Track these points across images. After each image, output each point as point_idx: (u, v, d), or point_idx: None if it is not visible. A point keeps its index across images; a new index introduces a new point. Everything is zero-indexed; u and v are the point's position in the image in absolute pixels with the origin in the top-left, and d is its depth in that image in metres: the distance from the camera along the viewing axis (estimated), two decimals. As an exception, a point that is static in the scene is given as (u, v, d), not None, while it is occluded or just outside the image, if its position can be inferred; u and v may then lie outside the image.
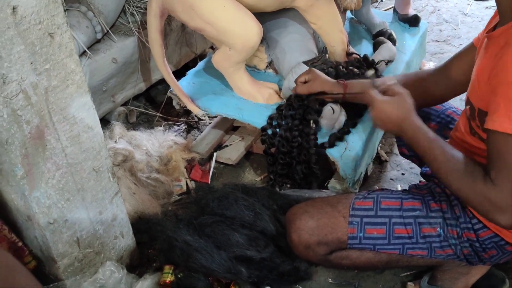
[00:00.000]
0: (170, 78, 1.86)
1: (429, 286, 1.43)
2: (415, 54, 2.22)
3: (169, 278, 1.42)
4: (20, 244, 1.28)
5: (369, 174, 1.91)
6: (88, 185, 1.32)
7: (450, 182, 1.12)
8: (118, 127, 1.88)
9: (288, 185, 1.86)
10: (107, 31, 1.96)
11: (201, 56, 2.52)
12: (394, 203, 1.30)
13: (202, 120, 1.91)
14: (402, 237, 1.28)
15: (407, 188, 1.79)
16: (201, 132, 2.18)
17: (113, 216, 1.44)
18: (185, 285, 1.32)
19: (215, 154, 2.02)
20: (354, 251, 1.33)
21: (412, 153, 1.63)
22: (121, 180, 1.66)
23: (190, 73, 2.04)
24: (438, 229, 1.27)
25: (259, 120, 1.78)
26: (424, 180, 1.56)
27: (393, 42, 2.11)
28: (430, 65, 2.53)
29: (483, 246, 1.24)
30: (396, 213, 1.29)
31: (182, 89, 1.88)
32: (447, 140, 1.37)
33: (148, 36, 1.80)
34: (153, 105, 2.43)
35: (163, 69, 1.84)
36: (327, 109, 1.69)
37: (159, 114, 2.32)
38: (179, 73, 2.34)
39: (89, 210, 1.35)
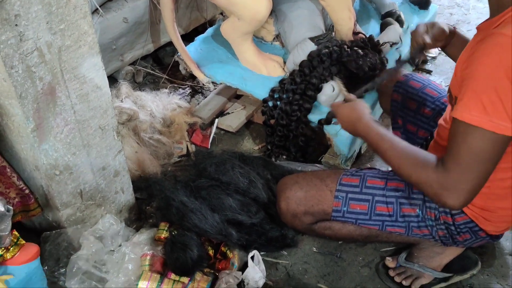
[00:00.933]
0: (178, 43, 1.90)
1: (406, 262, 1.52)
2: (421, 37, 2.23)
3: (164, 234, 1.52)
4: (27, 191, 1.36)
5: (362, 152, 1.97)
6: (94, 142, 1.39)
7: (401, 171, 1.17)
8: (125, 87, 1.94)
9: (284, 157, 1.93)
10: (120, -10, 1.99)
11: (211, 22, 2.55)
12: (379, 183, 1.38)
13: (206, 86, 1.96)
14: (383, 214, 1.36)
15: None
16: (205, 97, 2.24)
17: (115, 172, 1.52)
18: (178, 242, 1.41)
19: (216, 120, 2.09)
20: (337, 223, 1.41)
21: (406, 136, 1.69)
22: (124, 138, 1.74)
23: (199, 39, 2.08)
24: (418, 210, 1.34)
25: (261, 91, 1.84)
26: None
27: (401, 24, 2.13)
28: (436, 49, 2.55)
29: (458, 230, 1.32)
30: (380, 191, 1.36)
31: (189, 55, 1.92)
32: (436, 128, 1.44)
33: (160, 0, 1.83)
34: (160, 67, 2.48)
35: (172, 33, 1.89)
36: (328, 86, 1.74)
37: (165, 76, 2.37)
38: (188, 37, 2.39)
39: (93, 165, 1.43)
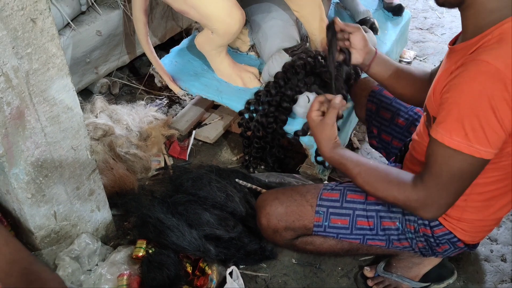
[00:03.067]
0: (152, 57, 1.89)
1: (384, 272, 1.53)
2: (396, 44, 2.26)
3: (141, 252, 1.51)
4: (-1, 215, 1.34)
5: (340, 161, 1.98)
6: (67, 163, 1.37)
7: (377, 194, 1.20)
8: (99, 101, 1.92)
9: (262, 167, 1.94)
10: (92, 3, 1.97)
11: (187, 30, 2.54)
12: (359, 197, 1.38)
13: (183, 99, 1.95)
14: (364, 228, 1.37)
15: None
16: (183, 107, 2.23)
17: (90, 191, 1.51)
18: (154, 261, 1.41)
19: (194, 132, 2.08)
20: (318, 237, 1.42)
21: (381, 146, 1.71)
22: (99, 154, 1.72)
23: (173, 51, 2.07)
24: (397, 223, 1.36)
25: (237, 104, 1.83)
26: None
27: (375, 31, 2.14)
28: (410, 54, 2.58)
29: (437, 241, 1.34)
30: (360, 206, 1.37)
31: (164, 68, 1.91)
32: (409, 140, 1.45)
33: (132, 15, 1.82)
34: (137, 77, 2.46)
35: (146, 47, 1.87)
36: (303, 97, 1.75)
37: (141, 87, 2.36)
38: (164, 46, 2.37)
39: (66, 186, 1.41)
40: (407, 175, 1.18)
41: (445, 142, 1.07)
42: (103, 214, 1.60)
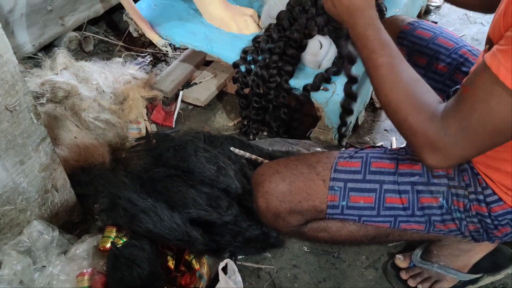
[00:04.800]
0: (123, -3, 1.52)
1: (423, 261, 1.20)
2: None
3: (109, 243, 1.17)
4: None
5: (360, 123, 1.63)
6: (0, 128, 1.03)
7: (388, 101, 0.88)
8: (62, 56, 1.57)
9: (265, 133, 1.59)
10: None
11: (174, -24, 2.16)
12: (387, 165, 1.03)
13: (164, 51, 1.59)
14: (395, 207, 1.02)
15: (403, 142, 1.53)
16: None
17: (40, 166, 1.17)
18: (122, 256, 1.07)
19: (181, 93, 1.72)
20: (334, 222, 1.07)
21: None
22: (59, 121, 1.38)
23: (152, -8, 1.70)
24: (441, 199, 1.01)
25: (231, 53, 1.48)
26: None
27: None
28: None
29: (495, 222, 1.00)
30: (390, 177, 1.02)
31: (139, 12, 1.55)
32: (458, 87, 1.09)
33: None
34: (116, 32, 2.10)
35: (115, -15, 1.50)
36: (314, 42, 1.38)
37: (121, 43, 2.00)
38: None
39: (4, 160, 1.07)
40: (436, 99, 0.85)
41: (498, 74, 0.73)
42: (63, 195, 1.28)
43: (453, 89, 1.17)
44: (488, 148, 0.82)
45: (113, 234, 1.20)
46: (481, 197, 0.98)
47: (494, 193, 0.97)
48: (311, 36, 1.39)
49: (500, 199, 0.97)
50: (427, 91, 0.87)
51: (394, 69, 0.88)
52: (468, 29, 2.04)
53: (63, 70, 1.52)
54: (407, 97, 0.85)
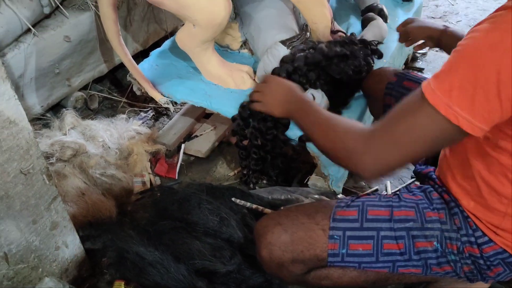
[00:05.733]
0: (127, 59, 1.62)
1: (422, 302, 1.24)
2: (409, 32, 1.98)
3: (118, 297, 1.22)
4: None
5: (355, 168, 1.69)
6: (15, 191, 1.09)
7: (320, 139, 1.03)
8: (70, 116, 1.65)
9: (264, 181, 1.65)
10: (57, 5, 1.71)
11: (173, 34, 2.27)
12: (383, 213, 1.09)
13: (166, 107, 1.68)
14: (393, 253, 1.07)
15: (397, 186, 1.60)
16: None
17: (52, 225, 1.22)
18: (132, 309, 1.12)
19: (183, 145, 1.80)
20: (335, 269, 1.11)
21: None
22: (68, 179, 1.44)
23: (154, 53, 1.81)
24: (435, 243, 1.06)
25: (230, 108, 1.56)
26: (417, 183, 1.34)
27: (384, 18, 1.87)
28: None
29: (487, 263, 1.04)
30: (386, 224, 1.08)
31: (141, 72, 1.64)
32: None
33: (100, 11, 1.55)
34: (119, 89, 2.19)
35: (119, 49, 1.61)
36: (307, 95, 1.46)
37: (124, 100, 2.09)
38: (147, 54, 2.10)
39: (18, 220, 1.13)
40: (362, 124, 0.99)
41: (424, 91, 0.85)
42: (72, 251, 1.32)
43: None
44: (413, 156, 0.89)
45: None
46: (472, 239, 1.03)
47: (485, 235, 1.02)
48: (304, 89, 1.48)
49: (491, 240, 1.02)
50: (354, 122, 0.99)
51: (317, 121, 1.04)
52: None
53: (71, 130, 1.60)
54: (334, 128, 0.99)
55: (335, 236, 1.08)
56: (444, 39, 1.38)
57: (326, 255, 1.08)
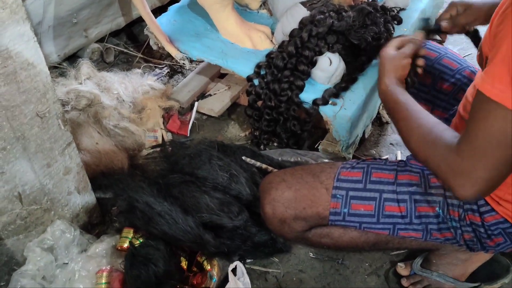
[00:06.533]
0: (145, 12, 1.61)
1: (422, 270, 1.26)
2: (432, 2, 1.94)
3: (126, 243, 1.25)
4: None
5: (366, 137, 1.70)
6: (31, 133, 1.12)
7: (410, 145, 0.96)
8: (86, 66, 1.66)
9: (275, 144, 1.66)
10: (78, -47, 1.70)
11: (192, -9, 2.25)
12: (387, 176, 1.10)
13: (182, 64, 1.68)
14: (394, 215, 1.09)
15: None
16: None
17: (65, 170, 1.25)
18: (139, 255, 1.15)
19: (196, 103, 1.80)
20: (336, 228, 1.14)
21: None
22: (82, 127, 1.47)
23: (172, 8, 1.79)
24: (437, 208, 1.07)
25: (245, 68, 1.55)
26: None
27: (409, -14, 1.83)
28: (447, 17, 2.25)
29: (488, 232, 1.05)
30: (389, 187, 1.09)
31: (159, 27, 1.63)
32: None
33: (120, -39, 1.54)
34: (135, 44, 2.19)
35: (137, 0, 1.59)
36: (324, 59, 1.46)
37: (140, 55, 2.09)
38: (166, 9, 2.09)
39: (33, 162, 1.16)
40: (450, 134, 0.90)
41: (484, 91, 0.80)
42: (84, 197, 1.35)
43: (455, 108, 1.24)
44: (504, 163, 0.83)
45: (131, 235, 1.28)
46: (475, 207, 1.04)
47: (487, 204, 1.03)
48: (321, 53, 1.46)
49: (493, 209, 1.03)
50: (443, 130, 0.92)
51: (410, 119, 0.96)
52: (474, 49, 2.10)
53: (87, 80, 1.61)
54: (424, 137, 0.92)
55: (338, 196, 1.09)
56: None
57: (328, 214, 1.10)
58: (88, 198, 1.37)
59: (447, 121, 1.23)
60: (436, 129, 0.91)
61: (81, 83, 1.58)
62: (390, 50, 1.13)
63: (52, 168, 1.21)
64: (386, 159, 1.18)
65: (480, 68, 1.07)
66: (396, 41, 1.15)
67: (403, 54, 1.11)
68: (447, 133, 0.90)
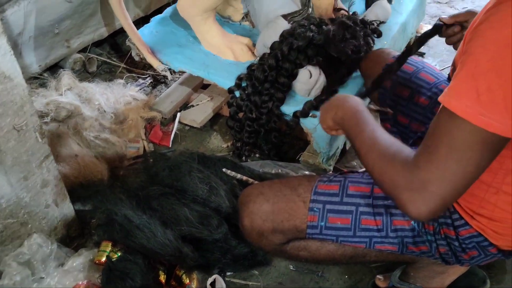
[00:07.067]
0: (127, 24, 1.61)
1: (400, 282, 1.26)
2: (413, 15, 1.97)
3: (104, 257, 1.24)
4: None
5: (347, 148, 1.71)
6: (7, 146, 1.11)
7: (366, 162, 0.92)
8: (67, 77, 1.65)
9: (257, 155, 1.66)
10: (60, -36, 1.69)
11: (175, 1, 2.24)
12: (363, 189, 1.11)
13: (163, 75, 1.68)
14: (370, 229, 1.09)
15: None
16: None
17: (43, 182, 1.24)
18: (116, 269, 1.14)
19: (178, 114, 1.80)
20: (314, 241, 1.14)
21: (396, 130, 1.42)
22: (61, 139, 1.46)
23: (154, 20, 1.79)
24: (412, 222, 1.08)
25: (227, 80, 1.56)
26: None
27: (389, 0, 1.86)
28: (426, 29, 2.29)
29: (462, 245, 1.06)
30: (365, 200, 1.09)
31: (141, 38, 1.64)
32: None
33: (101, -28, 1.54)
34: (118, 54, 2.19)
35: (119, 12, 1.60)
36: (304, 72, 1.47)
37: (123, 65, 2.08)
38: (149, 20, 2.09)
39: (9, 175, 1.15)
40: (407, 150, 0.87)
41: (449, 106, 0.79)
42: (62, 210, 1.34)
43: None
44: (462, 182, 0.81)
45: (109, 249, 1.27)
46: (449, 221, 1.05)
47: (462, 218, 1.04)
48: (301, 65, 1.48)
49: (467, 223, 1.04)
50: (403, 146, 0.89)
51: (367, 137, 0.93)
52: (455, 61, 2.14)
53: (67, 91, 1.60)
54: (380, 154, 0.89)
55: (315, 209, 1.10)
56: None
57: (305, 227, 1.10)
58: (67, 211, 1.36)
59: (421, 138, 1.25)
60: (396, 146, 0.89)
61: (61, 94, 1.57)
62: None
63: (29, 181, 1.20)
64: (363, 172, 1.19)
65: None
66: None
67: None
68: (406, 149, 0.88)
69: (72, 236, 1.41)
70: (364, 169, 1.67)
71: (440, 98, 0.82)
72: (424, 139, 0.84)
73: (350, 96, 1.07)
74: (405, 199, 0.82)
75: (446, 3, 2.57)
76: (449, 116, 0.79)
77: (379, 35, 1.62)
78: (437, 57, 2.17)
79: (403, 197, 0.82)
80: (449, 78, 1.00)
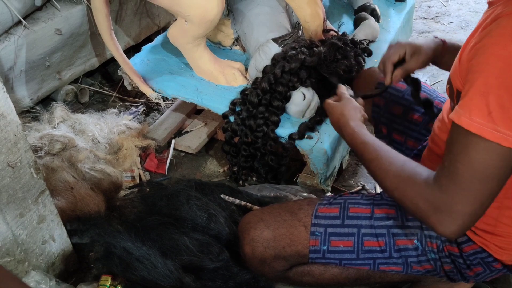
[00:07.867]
0: (118, 54, 1.61)
1: (406, 302, 1.25)
2: (401, 32, 2.00)
3: (104, 291, 1.22)
4: None
5: (344, 167, 1.71)
6: (2, 184, 1.09)
7: (385, 185, 0.94)
8: (59, 109, 1.65)
9: (254, 179, 1.65)
10: (49, -3, 1.71)
11: (166, 29, 2.27)
12: (364, 210, 1.10)
13: (157, 103, 1.67)
14: (373, 250, 1.09)
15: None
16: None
17: (39, 218, 1.22)
18: (118, 304, 1.12)
19: (173, 141, 1.80)
20: (317, 266, 1.13)
21: (392, 148, 1.42)
22: (56, 172, 1.44)
23: (145, 48, 1.80)
24: (415, 241, 1.08)
25: (220, 105, 1.56)
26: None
27: (377, 18, 1.88)
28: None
29: (467, 262, 1.06)
30: (366, 222, 1.09)
31: (132, 67, 1.64)
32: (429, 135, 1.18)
33: (91, 5, 1.54)
34: (110, 83, 2.19)
35: (110, 43, 1.60)
36: (297, 94, 1.47)
37: (115, 94, 2.08)
38: (139, 48, 2.10)
39: (5, 213, 1.13)
40: (423, 170, 0.90)
41: (462, 124, 0.80)
42: (59, 245, 1.32)
43: (427, 138, 1.25)
44: (487, 196, 0.83)
45: (108, 282, 1.24)
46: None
47: (464, 234, 1.04)
48: (294, 88, 1.48)
49: (470, 240, 1.04)
50: (416, 166, 0.91)
51: (380, 160, 0.95)
52: (444, 75, 2.16)
53: (61, 123, 1.59)
54: (398, 178, 0.91)
55: (317, 233, 1.09)
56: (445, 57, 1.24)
57: (308, 252, 1.09)
58: (64, 245, 1.34)
59: (417, 156, 1.25)
60: (408, 166, 0.91)
61: (54, 127, 1.56)
62: (332, 101, 1.16)
63: (25, 218, 1.18)
64: (363, 193, 1.19)
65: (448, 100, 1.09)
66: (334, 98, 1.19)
67: (350, 99, 1.13)
68: (420, 169, 0.90)
69: (71, 271, 1.38)
70: (359, 188, 1.68)
71: (451, 116, 0.84)
72: (443, 159, 0.86)
73: (346, 119, 1.09)
74: (434, 222, 0.85)
75: (432, 18, 2.61)
76: (464, 135, 0.81)
77: (369, 54, 1.64)
78: (427, 72, 2.19)
79: (432, 220, 0.85)
80: (450, 95, 1.00)
